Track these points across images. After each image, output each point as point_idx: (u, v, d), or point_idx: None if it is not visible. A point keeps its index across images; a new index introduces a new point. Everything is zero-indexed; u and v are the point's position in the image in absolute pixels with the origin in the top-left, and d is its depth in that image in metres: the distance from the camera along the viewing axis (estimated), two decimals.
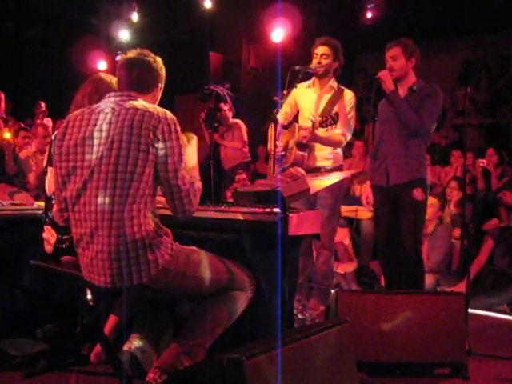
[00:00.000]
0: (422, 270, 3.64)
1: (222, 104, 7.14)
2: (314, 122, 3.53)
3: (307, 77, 3.87)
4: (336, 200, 3.77)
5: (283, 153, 3.77)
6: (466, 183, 3.79)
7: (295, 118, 3.91)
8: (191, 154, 2.51)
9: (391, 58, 3.52)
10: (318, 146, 3.74)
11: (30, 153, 5.82)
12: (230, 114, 7.06)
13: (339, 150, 3.85)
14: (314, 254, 3.92)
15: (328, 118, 3.51)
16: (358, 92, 3.97)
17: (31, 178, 5.67)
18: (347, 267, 5.04)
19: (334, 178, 2.92)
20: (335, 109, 3.69)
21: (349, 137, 3.78)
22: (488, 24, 8.50)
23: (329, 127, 3.53)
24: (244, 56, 9.19)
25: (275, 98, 3.76)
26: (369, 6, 7.83)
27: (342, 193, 3.94)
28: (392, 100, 3.49)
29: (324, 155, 3.77)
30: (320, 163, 3.76)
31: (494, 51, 9.21)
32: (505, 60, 9.03)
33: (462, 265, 4.99)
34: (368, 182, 3.80)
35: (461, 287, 4.26)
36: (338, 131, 3.69)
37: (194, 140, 2.58)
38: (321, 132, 3.61)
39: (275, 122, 3.47)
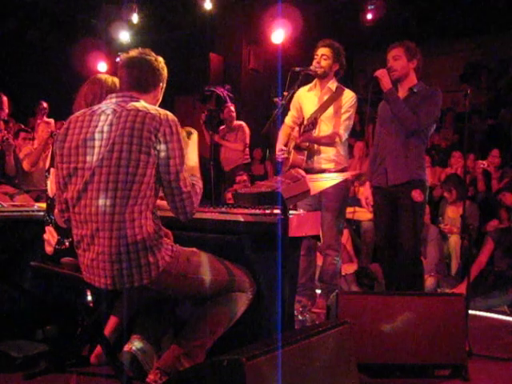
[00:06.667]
0: (422, 271, 3.64)
1: (228, 104, 7.13)
2: (299, 126, 3.62)
3: (309, 79, 3.89)
4: (341, 202, 3.80)
5: (286, 155, 3.81)
6: (467, 184, 3.79)
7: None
8: (192, 150, 2.45)
9: (393, 58, 3.52)
10: (321, 148, 3.79)
11: (31, 150, 5.82)
12: (235, 115, 7.05)
13: (342, 152, 3.86)
14: (318, 254, 3.97)
15: (308, 123, 3.58)
16: (358, 93, 3.96)
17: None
18: (347, 268, 5.03)
19: (333, 180, 2.92)
20: (329, 110, 3.72)
21: (344, 136, 3.78)
22: (488, 25, 8.51)
23: (309, 132, 3.60)
24: (244, 57, 9.20)
25: (275, 99, 3.78)
26: (369, 8, 7.82)
27: (347, 195, 3.96)
28: (389, 98, 3.48)
29: (328, 157, 3.81)
30: (324, 166, 3.80)
31: (494, 52, 9.22)
32: (505, 61, 9.04)
33: (462, 266, 5.00)
34: (368, 183, 3.80)
35: (461, 288, 4.27)
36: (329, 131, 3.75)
37: (195, 135, 2.51)
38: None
39: (275, 123, 3.49)
